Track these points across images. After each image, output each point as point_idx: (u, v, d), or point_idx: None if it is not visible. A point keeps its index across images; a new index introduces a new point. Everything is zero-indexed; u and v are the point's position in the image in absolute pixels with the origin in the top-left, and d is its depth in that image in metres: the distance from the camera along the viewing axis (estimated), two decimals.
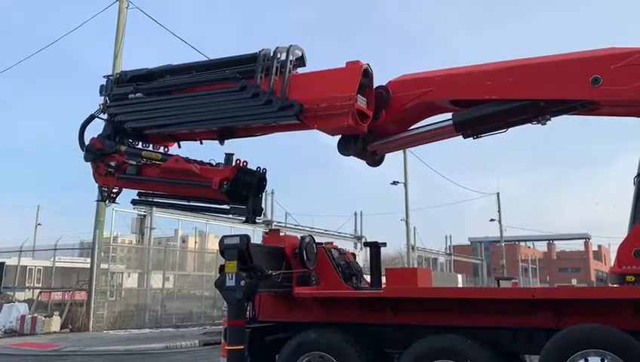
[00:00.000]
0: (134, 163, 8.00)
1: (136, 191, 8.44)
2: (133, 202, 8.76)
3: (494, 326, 6.19)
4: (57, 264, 25.87)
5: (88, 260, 21.80)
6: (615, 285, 6.30)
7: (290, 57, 7.10)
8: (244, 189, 7.40)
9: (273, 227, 21.31)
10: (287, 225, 27.61)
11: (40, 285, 27.99)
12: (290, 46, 7.16)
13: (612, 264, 6.46)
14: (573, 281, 53.60)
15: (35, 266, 30.54)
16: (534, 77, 6.53)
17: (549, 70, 6.47)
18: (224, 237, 6.56)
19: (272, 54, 7.15)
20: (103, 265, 20.88)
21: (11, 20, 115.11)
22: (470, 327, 6.21)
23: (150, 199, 8.69)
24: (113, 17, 21.24)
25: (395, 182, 35.53)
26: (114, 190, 8.39)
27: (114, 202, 8.75)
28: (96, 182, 8.43)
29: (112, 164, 8.00)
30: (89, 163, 8.28)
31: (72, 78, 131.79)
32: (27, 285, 28.00)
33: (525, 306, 6.06)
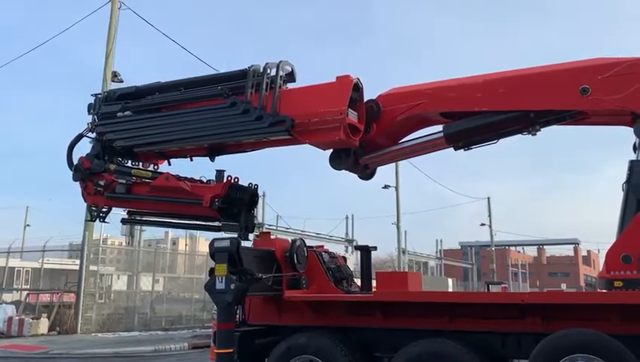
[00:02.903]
0: (124, 181, 7.94)
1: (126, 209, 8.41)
2: (123, 221, 8.72)
3: (484, 331, 6.21)
4: (46, 265, 25.62)
5: (77, 262, 21.61)
6: (603, 290, 6.33)
7: (280, 73, 7.12)
8: (235, 206, 7.39)
9: (264, 230, 21.23)
10: (278, 228, 27.52)
11: (28, 286, 27.75)
12: (280, 61, 7.18)
13: (601, 269, 6.48)
14: (563, 286, 53.81)
15: (24, 267, 30.27)
16: (524, 88, 6.60)
17: (538, 81, 6.56)
18: (214, 240, 6.54)
19: (261, 70, 7.17)
20: (92, 267, 20.75)
21: (4, 20, 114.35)
22: (460, 332, 6.23)
23: (140, 218, 8.66)
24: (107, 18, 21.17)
25: (386, 186, 35.57)
26: (103, 209, 8.32)
27: (103, 221, 8.70)
28: (85, 201, 8.36)
29: (101, 183, 7.94)
30: (77, 182, 8.22)
31: (65, 78, 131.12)
32: (15, 286, 27.72)
33: (515, 311, 6.08)
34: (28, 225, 49.77)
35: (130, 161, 8.28)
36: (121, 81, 20.44)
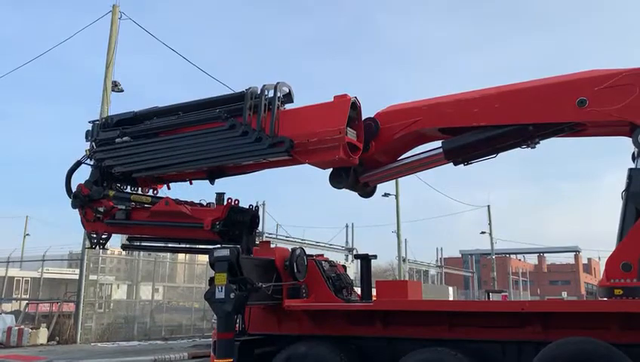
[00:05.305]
0: (123, 207, 7.96)
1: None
2: (124, 247, 8.77)
3: (484, 340, 6.20)
4: (45, 275, 25.50)
5: (77, 271, 21.54)
6: (604, 298, 6.32)
7: (278, 94, 7.18)
8: (236, 228, 7.42)
9: (264, 239, 21.21)
10: (278, 237, 27.49)
11: (27, 296, 27.64)
12: (278, 83, 7.26)
13: (601, 277, 6.48)
14: (564, 294, 53.68)
15: (23, 277, 30.14)
16: (521, 102, 6.67)
17: (535, 95, 6.62)
18: (214, 249, 6.54)
19: (259, 92, 7.23)
20: (92, 277, 20.66)
21: (5, 31, 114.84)
22: (460, 340, 6.22)
23: (140, 243, 8.67)
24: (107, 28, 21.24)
25: (386, 194, 35.52)
26: (103, 236, 8.34)
27: (103, 248, 8.75)
28: (85, 228, 8.40)
29: (101, 209, 7.98)
30: (76, 209, 8.22)
31: (66, 88, 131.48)
32: (14, 296, 27.62)
33: (515, 319, 6.08)
34: (27, 235, 49.71)
35: (129, 187, 8.31)
36: (122, 91, 20.51)
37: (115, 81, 20.45)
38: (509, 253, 76.54)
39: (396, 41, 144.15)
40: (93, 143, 8.29)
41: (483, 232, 51.96)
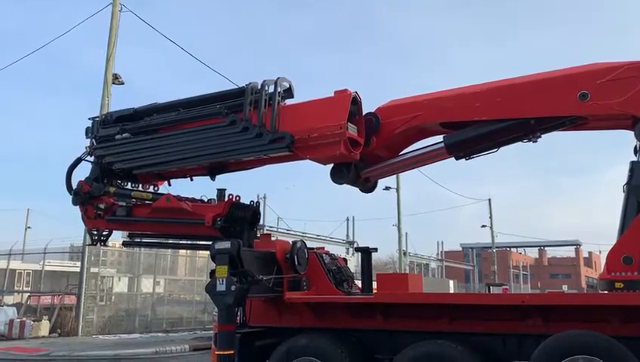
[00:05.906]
0: (124, 204, 7.95)
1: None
2: (125, 244, 8.75)
3: (484, 333, 6.21)
4: (47, 268, 25.59)
5: (78, 264, 21.59)
6: (604, 292, 6.33)
7: (279, 89, 7.13)
8: (238, 224, 7.41)
9: (265, 232, 21.22)
10: (279, 230, 27.52)
11: (29, 289, 27.74)
12: (278, 78, 7.21)
13: (602, 270, 6.49)
14: (564, 287, 53.79)
15: (25, 270, 30.22)
16: (522, 96, 6.64)
17: (537, 88, 6.59)
18: (215, 241, 6.55)
19: (259, 87, 7.18)
20: (93, 269, 20.71)
21: (7, 25, 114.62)
22: (460, 333, 6.23)
23: (142, 240, 8.67)
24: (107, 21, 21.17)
25: (387, 188, 35.52)
26: (104, 232, 8.33)
27: (104, 245, 8.74)
28: (85, 225, 8.37)
29: (102, 206, 7.96)
30: (77, 206, 8.21)
31: (67, 81, 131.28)
32: (16, 289, 27.73)
33: (515, 312, 6.08)
34: (29, 228, 49.83)
35: (129, 184, 8.30)
36: (122, 84, 20.48)
37: (115, 74, 20.41)
38: (510, 247, 76.62)
39: (397, 36, 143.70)
40: (93, 140, 8.27)
41: (484, 226, 52.08)
